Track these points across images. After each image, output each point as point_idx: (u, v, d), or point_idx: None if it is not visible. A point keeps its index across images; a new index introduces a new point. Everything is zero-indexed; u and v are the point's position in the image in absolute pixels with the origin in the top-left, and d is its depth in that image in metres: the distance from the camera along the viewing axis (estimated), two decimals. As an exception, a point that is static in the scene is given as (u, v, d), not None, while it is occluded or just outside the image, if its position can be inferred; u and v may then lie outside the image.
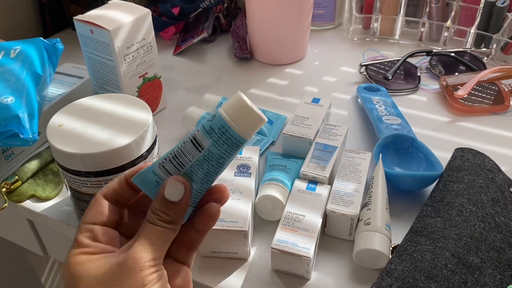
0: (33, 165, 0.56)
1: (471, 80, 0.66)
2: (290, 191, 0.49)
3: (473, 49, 0.77)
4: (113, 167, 0.43)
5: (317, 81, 0.74)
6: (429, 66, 0.75)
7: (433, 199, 0.46)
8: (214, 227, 0.39)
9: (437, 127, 0.63)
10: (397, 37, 0.85)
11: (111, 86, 0.61)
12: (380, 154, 0.51)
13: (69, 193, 0.47)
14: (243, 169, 0.50)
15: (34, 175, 0.56)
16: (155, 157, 0.47)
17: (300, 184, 0.49)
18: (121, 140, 0.42)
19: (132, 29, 0.58)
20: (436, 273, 0.38)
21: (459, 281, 0.38)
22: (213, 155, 0.32)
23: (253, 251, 0.47)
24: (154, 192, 0.33)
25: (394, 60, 0.74)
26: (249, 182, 0.49)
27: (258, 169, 0.52)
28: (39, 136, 0.52)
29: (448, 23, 0.80)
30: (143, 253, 0.30)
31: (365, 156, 0.52)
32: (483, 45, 0.78)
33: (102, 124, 0.44)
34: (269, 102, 0.70)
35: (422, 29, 0.83)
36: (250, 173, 0.50)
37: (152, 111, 0.58)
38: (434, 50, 0.75)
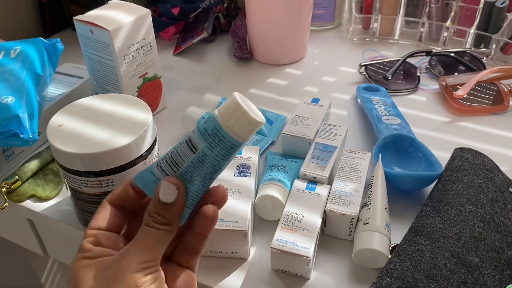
0: (33, 165, 0.56)
1: (471, 80, 0.66)
2: (289, 191, 0.49)
3: (472, 49, 0.77)
4: (113, 167, 0.43)
5: (316, 81, 0.74)
6: (428, 66, 0.75)
7: (432, 199, 0.46)
8: (213, 227, 0.39)
9: (436, 127, 0.63)
10: (396, 37, 0.85)
11: (111, 86, 0.61)
12: (380, 154, 0.52)
13: (69, 193, 0.47)
14: (242, 169, 0.50)
15: (34, 175, 0.56)
16: (155, 157, 0.47)
17: (300, 184, 0.49)
18: (121, 140, 0.42)
19: (132, 29, 0.58)
20: (435, 272, 0.38)
21: (458, 281, 0.38)
22: (207, 157, 0.31)
23: (252, 251, 0.47)
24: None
25: (393, 60, 0.74)
26: (249, 182, 0.49)
27: (257, 169, 0.52)
28: (39, 136, 0.52)
29: (448, 23, 0.80)
30: (137, 255, 0.30)
31: (365, 156, 0.52)
32: (482, 45, 0.78)
33: (102, 124, 0.44)
34: (269, 102, 0.70)
35: (422, 29, 0.83)
36: (250, 173, 0.50)
37: (152, 111, 0.58)
38: (434, 50, 0.75)
